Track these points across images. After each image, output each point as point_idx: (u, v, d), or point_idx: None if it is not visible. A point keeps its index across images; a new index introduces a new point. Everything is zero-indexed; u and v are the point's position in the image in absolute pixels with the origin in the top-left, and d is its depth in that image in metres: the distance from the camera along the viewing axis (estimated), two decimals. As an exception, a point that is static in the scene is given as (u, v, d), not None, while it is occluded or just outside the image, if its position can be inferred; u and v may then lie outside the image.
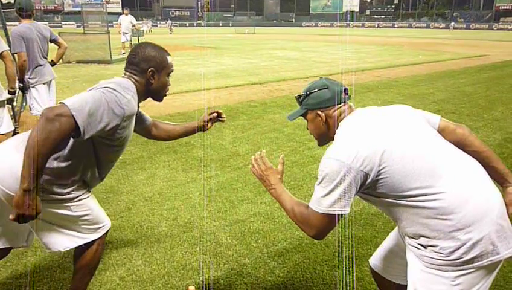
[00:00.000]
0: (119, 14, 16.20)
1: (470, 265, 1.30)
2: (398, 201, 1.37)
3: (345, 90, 1.58)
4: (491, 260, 1.30)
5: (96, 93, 1.63)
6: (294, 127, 5.78)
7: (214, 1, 77.97)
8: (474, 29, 54.83)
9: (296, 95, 1.65)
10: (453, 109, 6.95)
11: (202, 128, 2.34)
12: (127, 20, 15.73)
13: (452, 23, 55.40)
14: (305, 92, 1.61)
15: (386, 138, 1.39)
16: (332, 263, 2.63)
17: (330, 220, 1.40)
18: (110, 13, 16.32)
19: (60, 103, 1.55)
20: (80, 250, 1.93)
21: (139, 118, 2.15)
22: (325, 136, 1.61)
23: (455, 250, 1.30)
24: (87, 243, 1.91)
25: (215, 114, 2.36)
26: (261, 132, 5.59)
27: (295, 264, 2.62)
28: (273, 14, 79.19)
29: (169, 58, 1.94)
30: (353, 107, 1.58)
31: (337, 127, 1.53)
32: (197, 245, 2.82)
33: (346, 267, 2.60)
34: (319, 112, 1.56)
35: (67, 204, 1.80)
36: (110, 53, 13.86)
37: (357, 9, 72.09)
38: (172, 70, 1.98)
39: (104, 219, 1.99)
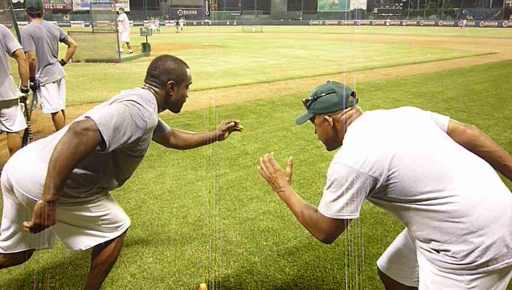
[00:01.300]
0: (127, 13, 16.22)
1: (485, 268, 1.28)
2: (409, 205, 1.36)
3: (353, 93, 1.57)
4: (507, 263, 1.28)
5: (120, 107, 1.66)
6: (302, 125, 5.74)
7: (221, 0, 77.99)
8: (484, 26, 54.22)
9: (304, 100, 1.65)
10: (462, 107, 6.88)
11: (219, 137, 2.37)
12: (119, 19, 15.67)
13: (464, 21, 54.89)
14: (313, 96, 1.60)
15: (395, 142, 1.37)
16: (342, 262, 2.62)
17: (339, 225, 1.39)
18: (117, 12, 16.36)
19: (86, 116, 1.58)
20: (99, 248, 1.95)
21: (159, 127, 2.18)
22: (333, 141, 1.60)
23: (469, 254, 1.28)
24: (106, 241, 1.94)
25: (233, 123, 2.37)
26: (270, 131, 5.59)
27: (305, 262, 2.62)
28: (280, 13, 79.00)
29: (188, 71, 1.99)
30: (361, 111, 1.57)
31: (345, 131, 1.52)
32: (207, 243, 2.83)
33: (356, 266, 2.59)
34: (327, 117, 1.55)
35: (86, 206, 1.83)
36: (119, 52, 13.95)
37: (364, 7, 71.63)
38: (190, 83, 2.02)
39: (123, 218, 2.02)
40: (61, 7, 64.43)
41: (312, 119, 1.62)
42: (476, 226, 1.27)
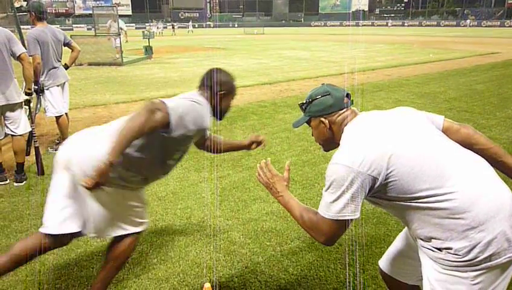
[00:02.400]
0: (129, 16, 16.26)
1: (488, 263, 1.29)
2: (408, 203, 1.37)
3: (348, 95, 1.59)
4: (509, 257, 1.29)
5: (187, 101, 1.90)
6: (305, 126, 5.77)
7: (223, 2, 78.19)
8: (486, 26, 54.12)
9: (299, 103, 1.66)
10: (465, 107, 6.88)
11: (247, 147, 2.54)
12: (114, 26, 15.66)
13: (468, 21, 54.83)
14: (308, 99, 1.62)
15: (393, 140, 1.38)
16: (345, 262, 2.64)
17: (340, 226, 1.40)
18: (120, 15, 16.44)
19: (160, 100, 1.80)
20: (116, 241, 2.05)
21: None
22: (330, 142, 1.62)
23: (471, 250, 1.29)
24: (125, 236, 2.04)
25: (262, 138, 2.52)
26: (272, 132, 5.61)
27: (308, 262, 2.63)
28: (281, 14, 79.08)
29: (235, 84, 2.17)
30: (357, 112, 1.58)
31: (342, 132, 1.53)
32: (211, 244, 2.85)
33: (359, 266, 2.60)
34: (322, 119, 1.57)
35: (128, 192, 2.00)
36: (122, 55, 14.01)
37: (366, 8, 71.65)
38: (236, 94, 2.18)
39: (146, 217, 2.17)
40: (64, 11, 64.74)
41: (308, 122, 1.64)
42: (477, 221, 1.28)
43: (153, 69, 13.20)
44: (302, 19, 75.77)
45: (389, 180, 1.35)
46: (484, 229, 1.28)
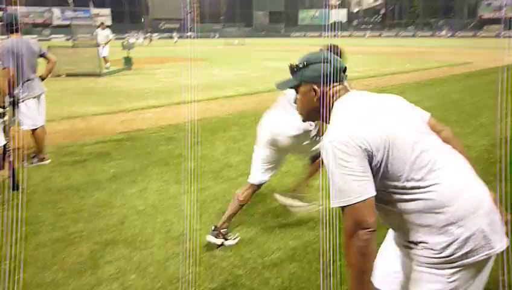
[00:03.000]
0: (109, 27, 16.14)
1: (465, 261, 1.28)
2: (392, 194, 1.34)
3: (345, 68, 1.52)
4: (486, 255, 1.29)
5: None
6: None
7: (204, 13, 78.45)
8: (460, 37, 55.85)
9: (291, 64, 1.52)
10: (440, 116, 7.03)
11: None
12: (103, 35, 15.57)
13: (443, 32, 56.60)
14: (303, 62, 1.49)
15: (388, 123, 1.35)
16: (327, 272, 2.63)
17: (360, 208, 1.26)
18: (98, 26, 16.27)
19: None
20: None
21: None
22: (314, 114, 1.51)
23: (448, 245, 1.28)
24: None
25: None
26: (253, 143, 5.53)
27: (290, 273, 2.62)
28: (262, 25, 79.80)
29: None
30: (348, 88, 1.50)
31: (332, 106, 1.45)
32: (191, 257, 2.81)
33: (340, 276, 2.60)
34: (315, 87, 1.46)
35: None
36: (100, 66, 13.85)
37: (344, 19, 73.04)
38: None
39: None
40: (41, 21, 63.77)
41: (296, 87, 1.52)
42: (456, 217, 1.28)
43: (132, 80, 13.09)
44: (282, 30, 76.62)
45: (383, 163, 1.30)
46: (463, 225, 1.28)
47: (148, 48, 35.08)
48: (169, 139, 5.75)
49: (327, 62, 1.47)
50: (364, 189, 1.27)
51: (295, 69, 1.52)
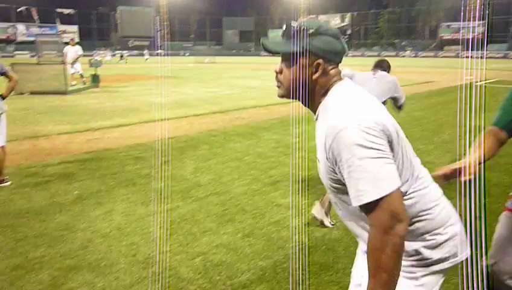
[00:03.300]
0: (76, 44, 15.84)
1: (436, 266, 1.27)
2: None
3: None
4: (453, 262, 1.29)
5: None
6: (255, 156, 5.83)
7: (174, 31, 78.52)
8: (423, 57, 58.42)
9: (293, 25, 1.25)
10: (405, 133, 7.22)
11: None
12: (72, 51, 15.33)
13: (407, 52, 59.03)
14: (314, 27, 1.23)
15: (392, 119, 1.24)
16: (295, 292, 2.62)
17: (397, 196, 1.11)
18: (66, 43, 15.96)
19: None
20: None
21: None
22: (301, 92, 1.28)
23: (423, 251, 1.26)
24: None
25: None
26: (223, 161, 5.59)
27: (259, 295, 2.59)
28: (232, 44, 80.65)
29: None
30: (341, 76, 1.32)
31: (328, 89, 1.26)
32: (158, 281, 2.73)
33: (309, 296, 2.60)
34: (320, 62, 1.23)
35: None
36: (66, 84, 13.53)
37: (313, 39, 74.87)
38: None
39: None
40: (5, 37, 61.93)
41: (293, 56, 1.24)
42: (436, 223, 1.26)
43: (99, 98, 12.83)
44: (253, 49, 77.66)
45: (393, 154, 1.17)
46: (440, 232, 1.27)
47: (117, 65, 34.65)
48: (137, 159, 5.64)
49: (337, 38, 1.25)
50: (397, 175, 1.13)
51: (299, 33, 1.22)
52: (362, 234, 1.33)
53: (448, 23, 68.08)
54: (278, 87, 1.32)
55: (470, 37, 53.02)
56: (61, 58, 14.29)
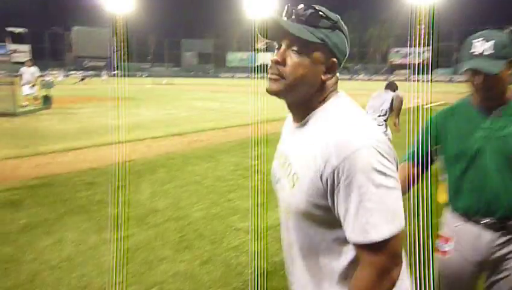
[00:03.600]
0: (32, 65, 15.25)
1: None
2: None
3: None
4: None
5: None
6: (214, 179, 5.79)
7: (131, 52, 77.56)
8: (375, 80, 61.23)
9: (313, 8, 1.04)
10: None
11: None
12: (28, 73, 14.80)
13: (361, 75, 61.72)
14: (334, 19, 1.05)
15: None
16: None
17: (400, 236, 0.96)
18: (16, 62, 15.33)
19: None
20: None
21: None
22: (304, 90, 1.08)
23: None
24: None
25: None
26: (181, 185, 5.49)
27: (217, 324, 2.53)
28: (191, 66, 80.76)
29: None
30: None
31: (327, 96, 1.11)
32: (111, 315, 2.60)
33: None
34: (334, 60, 1.08)
35: None
36: (14, 105, 12.93)
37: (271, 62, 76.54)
38: None
39: None
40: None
41: (309, 46, 1.03)
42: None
43: (51, 120, 12.32)
44: (212, 71, 78.19)
45: None
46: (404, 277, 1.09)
47: (73, 86, 33.61)
48: (90, 184, 5.42)
49: (348, 40, 1.11)
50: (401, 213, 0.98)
51: (317, 19, 1.03)
52: (318, 275, 1.09)
53: (397, 49, 72.19)
54: (275, 80, 1.07)
55: (417, 62, 56.32)
56: (9, 79, 13.66)
